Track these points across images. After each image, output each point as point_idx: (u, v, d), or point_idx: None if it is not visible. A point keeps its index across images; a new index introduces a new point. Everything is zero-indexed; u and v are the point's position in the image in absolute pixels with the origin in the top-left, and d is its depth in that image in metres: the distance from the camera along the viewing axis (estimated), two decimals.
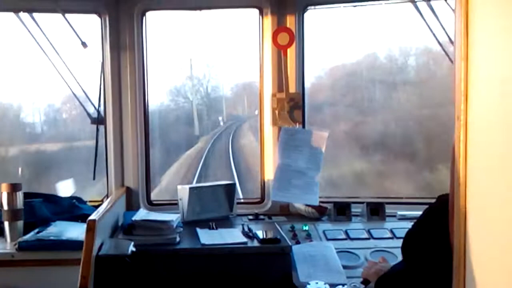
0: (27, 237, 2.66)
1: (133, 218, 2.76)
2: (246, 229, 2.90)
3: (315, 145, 3.31)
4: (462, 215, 1.31)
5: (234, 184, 3.32)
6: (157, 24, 3.44)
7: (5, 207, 2.72)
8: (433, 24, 3.18)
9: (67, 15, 3.12)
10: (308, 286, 2.37)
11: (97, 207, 2.89)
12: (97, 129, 3.34)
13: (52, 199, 3.11)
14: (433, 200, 1.85)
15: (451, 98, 1.32)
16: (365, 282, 2.31)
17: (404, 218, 3.11)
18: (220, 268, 2.61)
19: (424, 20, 3.21)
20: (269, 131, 3.39)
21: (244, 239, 2.74)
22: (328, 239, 2.90)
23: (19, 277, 2.57)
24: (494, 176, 1.15)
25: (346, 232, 2.96)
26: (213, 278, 2.60)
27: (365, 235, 2.93)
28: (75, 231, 2.72)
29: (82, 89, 3.29)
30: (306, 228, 3.01)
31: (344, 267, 2.62)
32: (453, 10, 2.79)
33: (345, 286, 2.32)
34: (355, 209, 3.25)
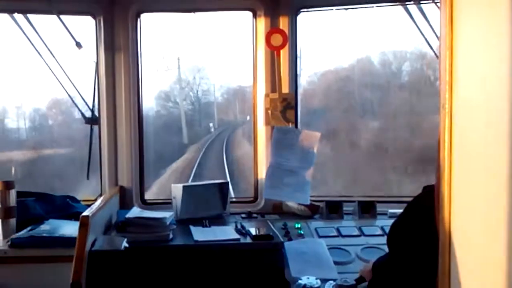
0: (20, 234, 2.67)
1: (127, 216, 2.78)
2: (239, 226, 2.93)
3: (307, 144, 3.35)
4: (447, 201, 1.34)
5: (228, 183, 3.35)
6: (148, 26, 3.48)
7: None
8: (424, 27, 3.24)
9: (61, 16, 3.15)
10: (299, 281, 2.39)
11: (90, 206, 2.90)
12: (91, 129, 3.37)
13: (46, 198, 3.12)
14: None
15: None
16: (360, 279, 2.33)
17: (394, 216, 3.10)
18: (213, 264, 2.63)
19: (415, 23, 3.26)
20: (262, 131, 3.43)
21: (237, 236, 2.77)
22: (320, 236, 2.93)
23: (12, 274, 2.57)
24: (478, 163, 1.17)
25: (337, 230, 3.00)
26: (206, 274, 2.61)
27: (356, 232, 2.97)
28: (68, 228, 2.73)
29: (77, 89, 3.32)
30: (299, 225, 3.04)
31: (336, 263, 2.65)
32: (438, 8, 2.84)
33: (336, 281, 2.34)
34: (347, 207, 3.29)
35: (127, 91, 3.31)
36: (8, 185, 2.75)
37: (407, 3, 3.15)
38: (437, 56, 3.39)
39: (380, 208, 3.23)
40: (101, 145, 3.36)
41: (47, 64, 3.20)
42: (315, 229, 3.02)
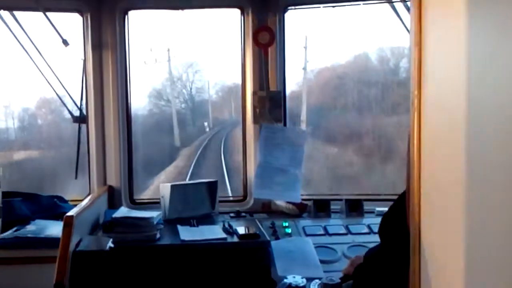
0: (5, 235, 2.66)
1: (113, 216, 2.78)
2: (226, 225, 2.93)
3: (296, 142, 3.35)
4: (416, 199, 1.34)
5: (216, 182, 3.34)
6: (138, 23, 3.45)
7: None
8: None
9: (48, 13, 3.12)
10: (285, 280, 2.39)
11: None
12: (79, 128, 3.35)
13: (33, 198, 3.11)
14: None
15: None
16: (345, 278, 2.33)
17: (382, 214, 3.13)
18: (200, 264, 2.63)
19: (402, 21, 3.25)
20: (250, 129, 3.42)
21: (224, 235, 2.77)
22: (307, 235, 2.93)
23: None
24: (444, 161, 1.17)
25: (325, 228, 3.00)
26: (192, 273, 2.61)
27: (343, 231, 2.97)
28: (55, 229, 2.72)
29: (64, 88, 3.29)
30: (286, 224, 3.04)
31: (322, 261, 2.65)
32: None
33: (321, 280, 2.34)
34: (335, 206, 3.29)
35: (115, 89, 3.30)
36: None
37: (393, 1, 3.13)
38: None
39: (367, 206, 3.24)
40: (89, 144, 3.35)
41: (34, 62, 3.18)
42: (303, 227, 3.03)
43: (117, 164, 3.32)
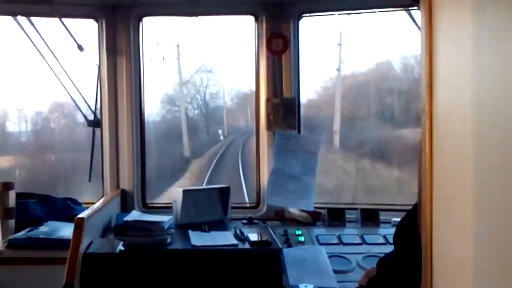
0: (18, 235, 2.67)
1: (125, 219, 2.77)
2: (238, 232, 2.89)
3: (310, 150, 3.31)
4: (428, 208, 1.30)
5: (229, 188, 3.31)
6: (151, 28, 3.46)
7: None
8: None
9: (64, 19, 3.16)
10: None
11: None
12: (93, 132, 3.37)
13: (47, 200, 3.12)
14: None
15: None
16: None
17: None
18: (210, 269, 2.59)
19: (419, 28, 3.21)
20: (264, 136, 3.39)
21: (235, 241, 2.73)
22: (320, 244, 2.87)
23: (8, 275, 2.56)
24: (458, 168, 1.14)
25: (339, 237, 2.94)
26: (203, 279, 2.58)
27: (358, 241, 2.90)
28: (67, 230, 2.71)
29: (79, 92, 3.32)
30: (299, 232, 2.99)
31: (336, 271, 2.59)
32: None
33: None
34: (350, 215, 3.22)
35: (128, 94, 3.32)
36: (8, 186, 2.75)
37: (409, 8, 3.10)
38: None
39: (383, 216, 3.16)
40: (103, 148, 3.36)
41: (50, 67, 3.22)
42: (316, 236, 2.97)
43: (130, 168, 3.33)
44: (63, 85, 3.25)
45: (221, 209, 3.24)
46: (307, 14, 3.37)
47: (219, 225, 3.11)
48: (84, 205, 3.30)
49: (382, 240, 2.89)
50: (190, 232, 2.88)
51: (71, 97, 3.31)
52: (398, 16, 3.59)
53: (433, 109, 1.22)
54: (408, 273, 1.66)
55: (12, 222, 2.76)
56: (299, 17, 3.37)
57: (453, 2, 1.13)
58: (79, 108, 3.37)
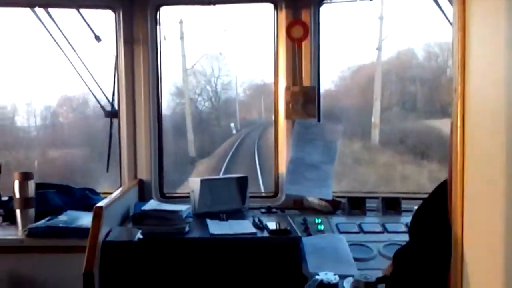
0: (38, 224, 2.68)
1: (143, 208, 2.76)
2: (256, 220, 2.85)
3: (330, 138, 3.25)
4: (459, 193, 1.24)
5: (247, 177, 3.28)
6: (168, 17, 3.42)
7: (17, 195, 2.75)
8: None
9: (81, 10, 3.16)
10: (317, 276, 2.29)
11: None
12: (111, 122, 3.37)
13: (66, 190, 3.14)
14: None
15: None
16: (382, 278, 2.21)
17: None
18: (229, 258, 2.57)
19: (444, 14, 3.10)
20: (283, 125, 3.34)
21: (254, 230, 2.70)
22: (340, 232, 2.82)
23: (28, 263, 2.58)
24: (491, 151, 1.07)
25: (359, 226, 2.88)
26: (221, 267, 2.56)
27: (379, 229, 2.84)
28: (86, 219, 2.72)
29: (97, 83, 3.32)
30: (319, 221, 2.94)
31: (356, 259, 2.53)
32: None
33: (355, 277, 2.23)
34: (371, 204, 3.16)
35: (146, 85, 3.30)
36: (27, 176, 2.77)
37: None
38: None
39: (405, 205, 3.09)
40: (120, 138, 3.36)
41: (68, 58, 3.23)
42: (336, 224, 2.91)
43: (147, 158, 3.32)
44: (80, 76, 3.25)
45: (239, 199, 3.22)
46: (328, 1, 3.30)
47: (237, 214, 3.08)
48: (102, 195, 3.31)
49: (404, 229, 2.82)
50: (208, 221, 2.86)
51: (89, 88, 3.31)
52: (421, 3, 3.47)
53: (465, 94, 1.16)
54: (425, 264, 1.60)
55: (32, 212, 2.78)
56: (320, 3, 3.30)
57: None
58: (96, 99, 3.36)
